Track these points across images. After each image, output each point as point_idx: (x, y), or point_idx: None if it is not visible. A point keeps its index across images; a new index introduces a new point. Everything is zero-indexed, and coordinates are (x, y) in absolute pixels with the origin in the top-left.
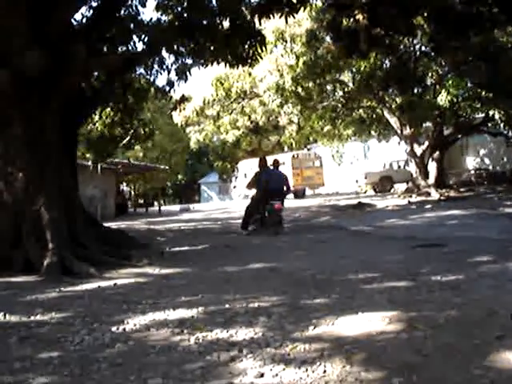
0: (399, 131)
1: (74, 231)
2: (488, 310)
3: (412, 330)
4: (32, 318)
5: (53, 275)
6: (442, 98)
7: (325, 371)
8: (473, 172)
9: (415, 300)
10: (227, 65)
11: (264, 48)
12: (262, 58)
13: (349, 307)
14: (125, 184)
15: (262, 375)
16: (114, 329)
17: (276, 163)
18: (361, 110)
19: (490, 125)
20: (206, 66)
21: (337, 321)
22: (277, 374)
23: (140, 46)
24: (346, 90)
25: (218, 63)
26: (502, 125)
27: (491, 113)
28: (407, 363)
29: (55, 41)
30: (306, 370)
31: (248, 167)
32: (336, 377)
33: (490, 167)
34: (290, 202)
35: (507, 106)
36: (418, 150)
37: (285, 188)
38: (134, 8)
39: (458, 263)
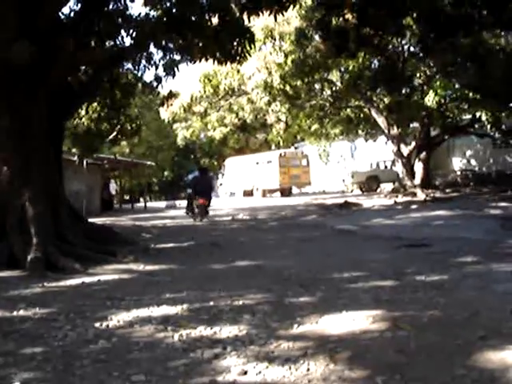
0: (386, 131)
1: (58, 226)
2: (472, 310)
3: (396, 329)
4: (15, 313)
5: (37, 270)
6: (430, 99)
7: (308, 369)
8: (459, 173)
9: (399, 299)
10: (215, 61)
11: (253, 45)
12: (250, 55)
13: (333, 306)
14: (112, 180)
15: (245, 373)
16: (97, 325)
17: (204, 170)
18: (348, 110)
19: (476, 126)
20: (194, 62)
21: (321, 319)
22: (260, 372)
23: (128, 41)
24: (334, 89)
25: (207, 60)
26: (488, 126)
27: (478, 114)
28: (391, 362)
29: (43, 34)
30: (290, 368)
31: (235, 165)
32: (319, 375)
33: (476, 168)
34: (276, 200)
35: (494, 107)
36: (405, 150)
37: (208, 189)
38: (122, 2)
39: (442, 263)
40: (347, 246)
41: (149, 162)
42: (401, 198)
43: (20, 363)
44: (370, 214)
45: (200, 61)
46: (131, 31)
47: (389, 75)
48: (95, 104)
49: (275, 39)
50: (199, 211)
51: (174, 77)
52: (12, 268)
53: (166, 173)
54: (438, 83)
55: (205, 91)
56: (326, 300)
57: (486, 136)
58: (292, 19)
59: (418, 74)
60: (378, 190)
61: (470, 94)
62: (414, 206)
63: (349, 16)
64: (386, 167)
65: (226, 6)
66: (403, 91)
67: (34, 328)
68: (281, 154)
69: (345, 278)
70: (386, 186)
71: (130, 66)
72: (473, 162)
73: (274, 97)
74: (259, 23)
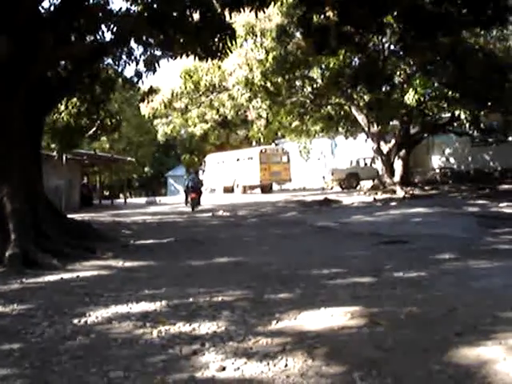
0: (366, 129)
1: (37, 222)
2: (448, 306)
3: (373, 325)
4: None
5: (15, 266)
6: (410, 97)
7: (286, 365)
8: (438, 171)
9: (377, 296)
10: (196, 57)
11: (234, 42)
12: (231, 51)
13: (312, 302)
14: (90, 176)
15: (223, 369)
16: (75, 321)
17: (195, 171)
18: (329, 107)
19: (455, 124)
20: (175, 58)
21: (300, 315)
22: (238, 368)
23: (108, 36)
24: (314, 86)
25: (188, 55)
26: (467, 125)
27: (457, 113)
28: (368, 358)
29: (22, 29)
30: (268, 363)
31: (215, 161)
32: (297, 371)
33: (455, 166)
34: (257, 196)
35: (473, 106)
36: (385, 147)
37: (198, 186)
38: None
39: (420, 260)
40: (326, 242)
41: (129, 158)
42: (380, 195)
43: None
44: (350, 210)
45: (181, 57)
46: (112, 26)
47: (369, 73)
48: (75, 99)
49: (256, 36)
50: (192, 202)
51: (154, 72)
52: None
53: (146, 169)
54: (417, 81)
55: (185, 87)
56: (304, 296)
57: (465, 134)
58: (273, 16)
59: (398, 72)
60: (358, 187)
61: (449, 93)
62: (393, 203)
63: (330, 13)
64: (365, 164)
65: (207, 2)
66: (383, 89)
67: (11, 324)
68: (261, 151)
69: (324, 275)
70: (366, 184)
71: (110, 61)
72: (452, 160)
73: (254, 93)
74: (240, 20)
